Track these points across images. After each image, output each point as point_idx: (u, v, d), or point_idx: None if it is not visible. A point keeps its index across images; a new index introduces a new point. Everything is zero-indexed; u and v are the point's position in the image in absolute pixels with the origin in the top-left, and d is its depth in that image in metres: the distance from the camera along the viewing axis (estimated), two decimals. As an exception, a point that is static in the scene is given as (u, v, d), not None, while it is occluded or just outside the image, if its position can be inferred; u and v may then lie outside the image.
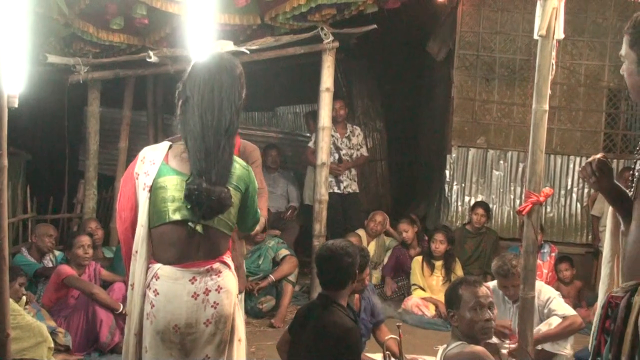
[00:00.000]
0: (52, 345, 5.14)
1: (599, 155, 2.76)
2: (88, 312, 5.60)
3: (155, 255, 2.97)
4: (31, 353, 4.94)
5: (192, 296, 2.92)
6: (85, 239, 5.95)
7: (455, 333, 3.61)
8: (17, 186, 7.76)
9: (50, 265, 6.36)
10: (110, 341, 5.60)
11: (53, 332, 5.30)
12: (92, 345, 5.62)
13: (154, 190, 2.94)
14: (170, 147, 3.02)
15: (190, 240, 2.94)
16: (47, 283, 5.92)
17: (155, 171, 2.95)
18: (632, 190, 2.62)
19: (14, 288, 5.06)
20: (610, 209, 2.89)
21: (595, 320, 2.68)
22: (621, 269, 2.72)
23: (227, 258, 3.06)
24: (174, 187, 2.93)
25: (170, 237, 2.94)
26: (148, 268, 2.97)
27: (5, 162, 2.88)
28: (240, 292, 3.91)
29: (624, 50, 2.58)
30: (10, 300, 4.01)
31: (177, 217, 2.92)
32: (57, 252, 6.57)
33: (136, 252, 2.97)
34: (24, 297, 5.43)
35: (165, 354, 2.93)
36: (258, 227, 4.10)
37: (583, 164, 2.81)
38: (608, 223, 2.90)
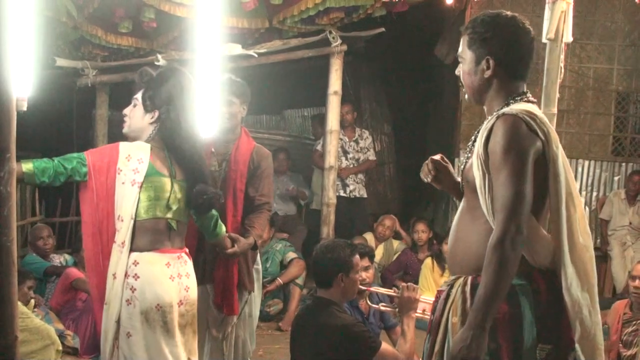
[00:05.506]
0: (61, 347, 5.15)
1: (436, 157, 2.97)
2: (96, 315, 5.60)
3: (132, 245, 3.21)
4: (39, 356, 4.95)
5: (170, 278, 3.23)
6: (93, 242, 5.93)
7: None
8: (26, 188, 7.77)
9: (59, 264, 6.36)
10: (118, 344, 5.60)
11: (61, 335, 5.31)
12: (100, 348, 5.61)
13: (143, 187, 3.20)
14: (151, 148, 3.29)
15: (165, 233, 3.28)
16: (56, 282, 5.93)
17: (145, 169, 3.22)
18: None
19: (22, 291, 5.08)
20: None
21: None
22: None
23: (186, 251, 3.44)
24: (158, 187, 3.23)
25: (150, 229, 3.23)
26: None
27: (14, 165, 2.87)
28: (249, 292, 4.11)
29: (461, 50, 2.72)
30: (19, 303, 4.02)
31: (160, 214, 3.24)
32: (67, 256, 6.57)
33: (122, 243, 3.18)
34: (33, 300, 5.44)
35: (150, 333, 3.17)
36: (246, 244, 4.18)
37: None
38: None
